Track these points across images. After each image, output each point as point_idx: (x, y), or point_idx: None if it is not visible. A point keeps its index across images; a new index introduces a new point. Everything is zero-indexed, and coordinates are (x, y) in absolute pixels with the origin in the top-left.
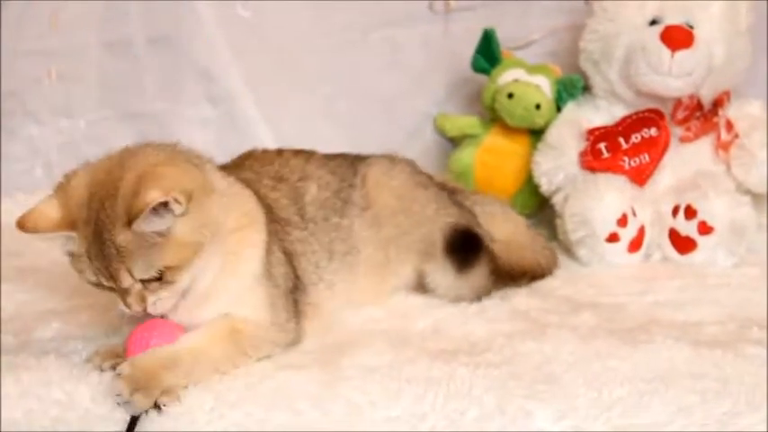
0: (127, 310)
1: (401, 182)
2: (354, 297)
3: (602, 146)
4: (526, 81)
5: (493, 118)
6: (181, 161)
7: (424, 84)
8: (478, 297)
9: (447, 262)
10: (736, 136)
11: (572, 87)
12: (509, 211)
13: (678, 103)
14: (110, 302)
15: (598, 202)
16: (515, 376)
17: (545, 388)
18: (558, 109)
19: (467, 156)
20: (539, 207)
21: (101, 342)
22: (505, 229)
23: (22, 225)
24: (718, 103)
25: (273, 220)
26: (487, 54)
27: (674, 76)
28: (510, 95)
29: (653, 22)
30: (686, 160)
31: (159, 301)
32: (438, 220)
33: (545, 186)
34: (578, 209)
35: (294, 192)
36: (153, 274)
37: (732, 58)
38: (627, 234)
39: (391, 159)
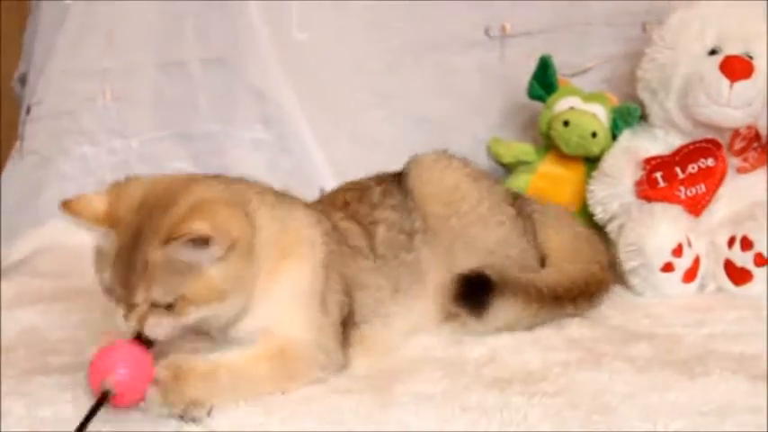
0: (122, 327)
1: (446, 176)
2: (422, 323)
3: (658, 175)
4: (582, 109)
5: (548, 145)
6: (239, 208)
7: (478, 109)
8: (523, 328)
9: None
10: None
11: (628, 116)
12: (569, 218)
13: (736, 133)
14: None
15: (653, 232)
16: (571, 406)
17: (600, 419)
18: (614, 137)
19: (521, 182)
20: None
21: None
22: (562, 237)
23: (66, 205)
24: None
25: (341, 243)
26: (544, 81)
27: (733, 106)
28: (566, 123)
29: (712, 52)
30: (743, 191)
31: (159, 327)
32: (491, 221)
33: (600, 215)
34: (633, 238)
35: (365, 230)
36: (167, 300)
37: None
38: (682, 264)
39: (434, 155)
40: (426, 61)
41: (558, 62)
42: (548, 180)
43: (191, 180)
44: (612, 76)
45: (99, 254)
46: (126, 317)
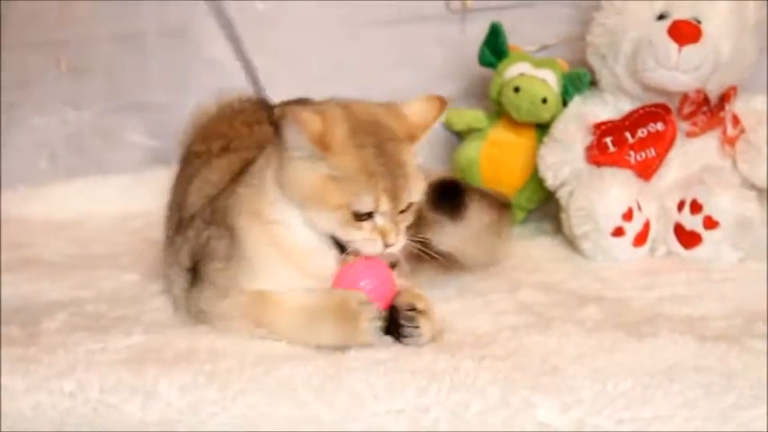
0: (369, 250)
1: None
2: None
3: (608, 140)
4: (532, 75)
5: (499, 112)
6: None
7: (438, 80)
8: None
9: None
10: (743, 131)
11: (578, 82)
12: None
13: (685, 97)
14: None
15: (603, 196)
16: (520, 369)
17: (549, 381)
18: (565, 103)
19: (472, 150)
20: (544, 201)
21: (108, 336)
22: None
23: (296, 116)
24: (724, 98)
25: None
26: (494, 48)
27: (682, 70)
28: (516, 89)
29: (660, 17)
30: (692, 155)
31: (401, 238)
32: None
33: (550, 180)
34: (583, 203)
35: None
36: (417, 199)
37: (739, 53)
38: (632, 228)
39: None
40: (387, 32)
41: (519, 38)
42: (499, 147)
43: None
44: (573, 57)
45: (335, 182)
46: (386, 236)
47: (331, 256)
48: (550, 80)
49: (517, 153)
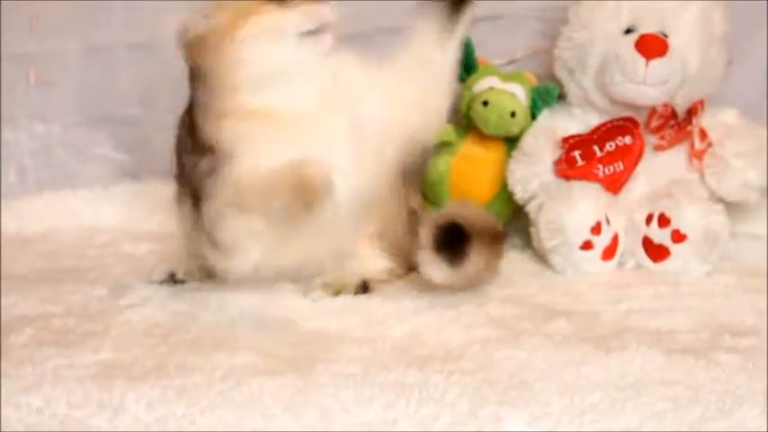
0: None
1: None
2: None
3: (576, 154)
4: (501, 89)
5: (468, 126)
6: None
7: None
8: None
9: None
10: (710, 144)
11: (547, 95)
12: None
13: (652, 111)
14: (82, 308)
15: (572, 210)
16: (489, 382)
17: (518, 394)
18: (534, 117)
19: (441, 164)
20: (514, 215)
21: (75, 351)
22: None
23: None
24: (692, 112)
25: None
26: (463, 62)
27: (649, 84)
28: (485, 103)
29: (628, 31)
30: (660, 168)
31: None
32: None
33: (519, 194)
34: (552, 216)
35: None
36: None
37: (706, 66)
38: (601, 242)
39: None
40: (357, 44)
41: (486, 52)
42: (469, 161)
43: None
44: (541, 70)
45: None
46: None
47: None
48: (519, 94)
49: (486, 167)
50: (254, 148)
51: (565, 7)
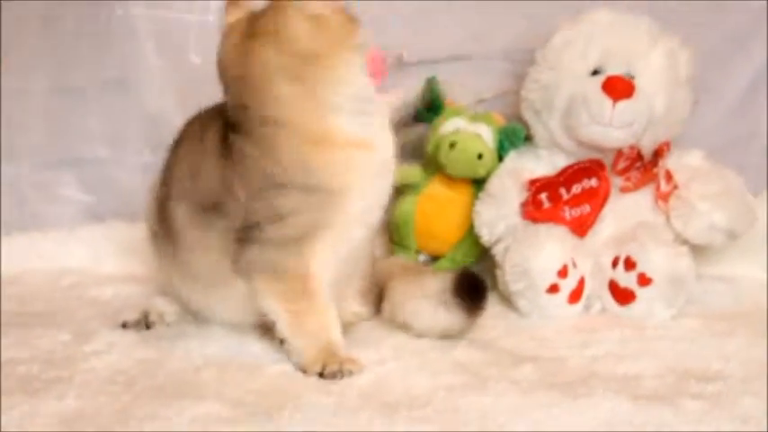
0: None
1: None
2: None
3: (543, 196)
4: (468, 131)
5: (435, 167)
6: None
7: None
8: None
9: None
10: (676, 187)
11: (514, 137)
12: None
13: (619, 153)
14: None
15: (538, 253)
16: (455, 429)
17: None
18: (501, 158)
19: (408, 204)
20: (480, 257)
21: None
22: None
23: None
24: (658, 154)
25: None
26: (430, 102)
27: (615, 126)
28: (452, 145)
29: (594, 73)
30: (627, 211)
31: None
32: None
33: (486, 237)
34: (518, 259)
35: None
36: None
37: (672, 108)
38: (567, 285)
39: None
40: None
41: (454, 93)
42: (435, 202)
43: None
44: (509, 111)
45: None
46: None
47: None
48: (486, 135)
49: (453, 208)
50: (361, 183)
51: (532, 49)
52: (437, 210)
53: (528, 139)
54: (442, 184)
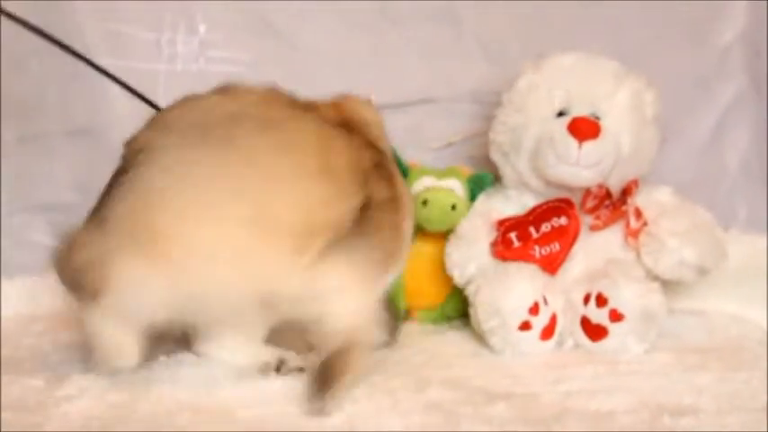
0: None
1: None
2: None
3: (512, 235)
4: (438, 186)
5: (415, 227)
6: None
7: None
8: None
9: None
10: (645, 223)
11: (483, 183)
12: None
13: (587, 192)
14: (19, 400)
15: (509, 291)
16: None
17: None
18: None
19: None
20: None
21: None
22: None
23: None
24: (626, 192)
25: None
26: None
27: (583, 166)
28: (425, 202)
29: (560, 114)
30: (597, 248)
31: None
32: None
33: (457, 278)
34: (489, 298)
35: None
36: None
37: (639, 147)
38: (539, 322)
39: None
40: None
41: (422, 136)
42: (419, 260)
43: None
44: (477, 153)
45: None
46: None
47: None
48: (456, 188)
49: (437, 264)
50: None
51: (498, 91)
52: (422, 267)
53: (497, 180)
54: (423, 242)
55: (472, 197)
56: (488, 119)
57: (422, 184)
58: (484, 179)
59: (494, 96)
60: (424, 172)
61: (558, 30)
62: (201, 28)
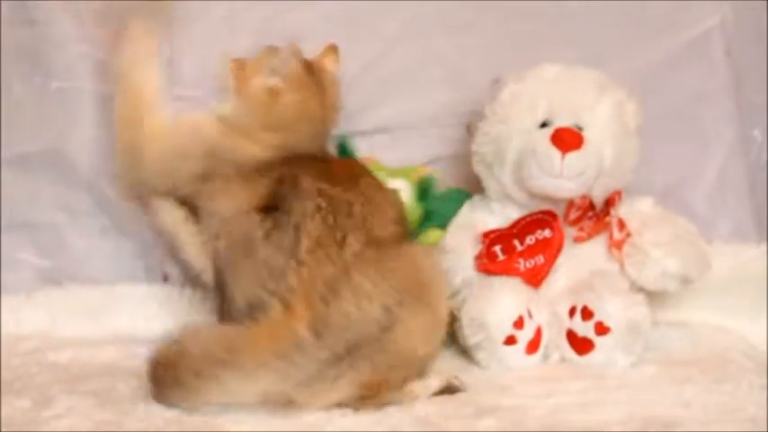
0: None
1: None
2: None
3: (497, 248)
4: None
5: None
6: None
7: None
8: None
9: None
10: (629, 234)
11: (428, 185)
12: None
13: (570, 203)
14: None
15: (493, 306)
16: None
17: None
18: (427, 209)
19: None
20: None
21: None
22: None
23: None
24: (609, 203)
25: None
26: None
27: (566, 177)
28: None
29: (543, 125)
30: (581, 260)
31: None
32: None
33: None
34: (474, 313)
35: None
36: None
37: (621, 157)
38: (524, 336)
39: None
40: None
41: (399, 158)
42: None
43: None
44: (455, 172)
45: None
46: None
47: None
48: (403, 189)
49: None
50: None
51: (459, 114)
52: None
53: (480, 191)
54: None
55: (421, 198)
56: (450, 142)
57: None
58: (429, 181)
59: (454, 119)
60: (378, 169)
61: (520, 49)
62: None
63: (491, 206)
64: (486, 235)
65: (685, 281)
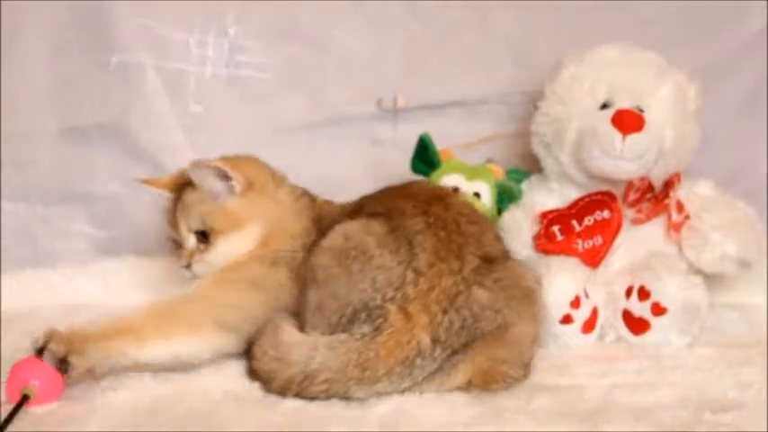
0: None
1: None
2: None
3: (555, 229)
4: (465, 190)
5: None
6: (263, 167)
7: (371, 180)
8: None
9: None
10: (687, 217)
11: (512, 195)
12: None
13: (630, 185)
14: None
15: (551, 285)
16: None
17: None
18: (500, 212)
19: None
20: None
21: None
22: None
23: (146, 180)
24: (668, 185)
25: None
26: (425, 159)
27: (626, 159)
28: None
29: (604, 106)
30: (639, 241)
31: (198, 264)
32: None
33: None
34: None
35: None
36: (199, 226)
37: (682, 140)
38: (580, 316)
39: None
40: (319, 132)
41: (451, 137)
42: None
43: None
44: (504, 154)
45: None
46: (182, 256)
47: None
48: (484, 192)
49: None
50: None
51: (527, 92)
52: None
53: (539, 171)
54: None
55: (499, 202)
56: (517, 120)
57: (451, 181)
58: (513, 191)
59: (522, 97)
60: (455, 168)
61: (586, 31)
62: (231, 31)
63: (550, 186)
64: (544, 215)
65: (744, 264)
